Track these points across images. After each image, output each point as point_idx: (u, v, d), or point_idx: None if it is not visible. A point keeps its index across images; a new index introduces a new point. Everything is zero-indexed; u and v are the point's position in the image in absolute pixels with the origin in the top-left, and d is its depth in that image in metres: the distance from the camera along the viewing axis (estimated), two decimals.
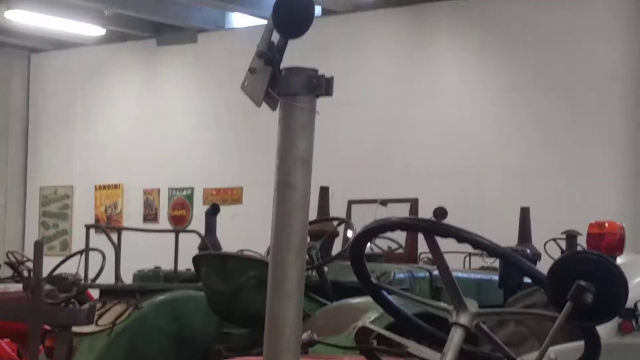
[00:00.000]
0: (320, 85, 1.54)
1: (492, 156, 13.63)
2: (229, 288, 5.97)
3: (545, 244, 8.55)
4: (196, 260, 6.55)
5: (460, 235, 2.28)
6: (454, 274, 2.28)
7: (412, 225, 2.82)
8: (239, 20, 17.26)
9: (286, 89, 1.50)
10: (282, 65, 1.50)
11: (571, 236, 8.13)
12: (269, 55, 1.52)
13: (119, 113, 18.08)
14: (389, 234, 6.14)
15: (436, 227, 2.40)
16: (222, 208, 10.03)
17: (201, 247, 8.24)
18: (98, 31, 17.82)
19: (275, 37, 1.51)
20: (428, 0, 14.93)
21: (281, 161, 1.51)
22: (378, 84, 14.58)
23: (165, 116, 17.36)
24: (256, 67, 1.50)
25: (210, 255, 6.71)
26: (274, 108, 1.55)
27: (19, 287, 8.00)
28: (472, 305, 2.30)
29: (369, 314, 4.53)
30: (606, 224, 6.51)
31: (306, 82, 1.53)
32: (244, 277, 5.92)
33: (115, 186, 17.61)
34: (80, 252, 8.85)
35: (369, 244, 2.80)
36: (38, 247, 6.10)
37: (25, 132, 19.61)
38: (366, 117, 14.28)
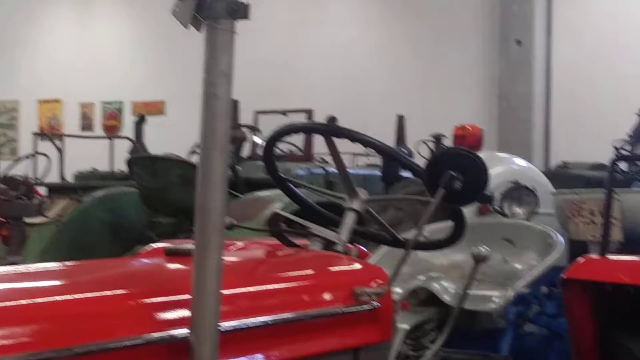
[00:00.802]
0: (239, 10, 1.51)
1: (373, 72, 13.86)
2: (158, 184, 6.08)
3: (417, 145, 8.74)
4: (130, 162, 6.59)
5: (353, 136, 2.33)
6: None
7: (314, 129, 2.81)
8: None
9: (210, 13, 1.46)
10: None
11: (438, 137, 8.46)
12: None
13: (57, 36, 17.39)
14: (289, 139, 6.36)
15: (334, 129, 2.42)
16: (148, 118, 9.96)
17: (131, 152, 8.30)
18: None
19: None
20: None
21: (207, 75, 1.47)
22: (279, 11, 14.69)
23: (99, 39, 16.95)
24: None
25: (142, 157, 6.71)
26: (199, 30, 1.49)
27: None
28: (363, 194, 2.34)
29: (276, 203, 4.62)
30: (468, 127, 6.82)
31: (227, 7, 1.49)
32: (171, 174, 6.06)
33: (56, 100, 17.17)
34: (28, 156, 9.13)
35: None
36: None
37: None
38: (269, 39, 14.24)
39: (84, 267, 2.16)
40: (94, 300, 1.58)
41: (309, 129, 2.94)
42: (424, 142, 8.70)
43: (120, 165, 8.86)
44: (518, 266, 2.87)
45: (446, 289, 2.61)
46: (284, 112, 9.33)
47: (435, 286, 2.65)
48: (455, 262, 2.83)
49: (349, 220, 2.35)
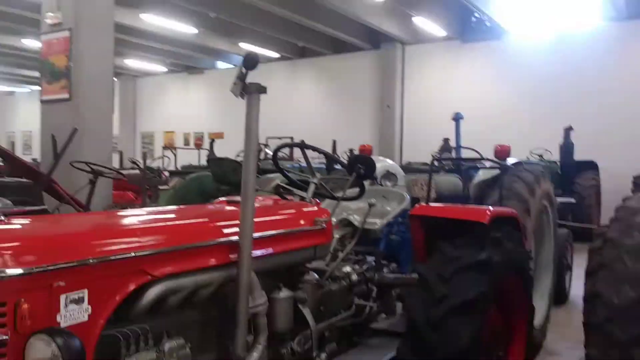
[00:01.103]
0: (261, 89, 2.29)
1: (321, 118, 20.10)
2: (221, 171, 7.12)
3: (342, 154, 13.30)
4: (209, 161, 7.73)
5: (313, 148, 3.36)
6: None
7: (295, 144, 3.71)
8: None
9: (248, 90, 2.14)
10: None
11: (351, 150, 13.39)
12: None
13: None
14: (283, 150, 7.86)
15: (304, 145, 3.40)
16: (216, 140, 14.66)
17: (208, 156, 10.50)
18: None
19: None
20: None
21: (247, 118, 2.19)
22: (277, 89, 19.71)
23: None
24: None
25: (214, 158, 7.84)
26: (243, 98, 2.17)
27: None
28: (318, 175, 3.29)
29: (276, 180, 5.50)
30: (366, 145, 8.52)
31: (256, 87, 2.16)
32: (228, 166, 7.07)
33: (172, 131, 25.00)
34: (160, 157, 14.47)
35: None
36: None
37: None
38: (273, 102, 17.91)
39: (187, 208, 2.91)
40: (192, 221, 2.33)
41: (292, 145, 3.85)
42: (345, 152, 13.40)
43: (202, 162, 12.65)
44: (388, 208, 3.89)
45: (355, 219, 3.64)
46: (280, 138, 12.52)
47: (351, 217, 3.67)
48: (360, 206, 3.73)
49: (311, 187, 3.28)
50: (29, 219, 2.03)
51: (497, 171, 5.36)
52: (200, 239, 2.21)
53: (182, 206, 3.02)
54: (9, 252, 1.61)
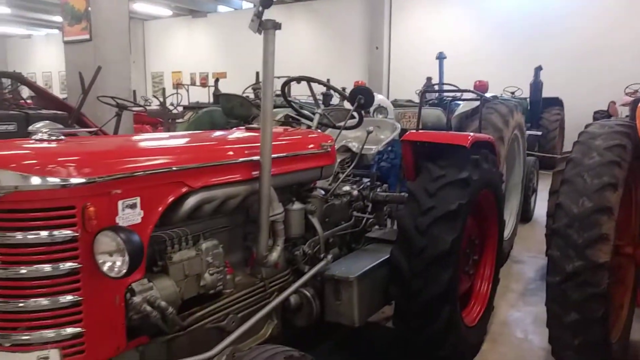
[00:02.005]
0: (277, 25, 2.21)
1: (318, 62, 18.85)
2: (229, 105, 7.11)
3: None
4: (217, 96, 7.63)
5: (318, 81, 3.40)
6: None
7: (301, 78, 3.44)
8: None
9: (265, 26, 2.15)
10: None
11: (344, 88, 11.28)
12: None
13: None
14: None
15: (310, 79, 3.41)
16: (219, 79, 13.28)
17: (214, 92, 9.75)
18: None
19: None
20: None
21: (264, 54, 2.21)
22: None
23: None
24: None
25: (223, 94, 7.62)
26: (260, 34, 2.22)
27: None
28: (322, 107, 3.43)
29: (280, 114, 5.60)
30: (361, 82, 8.29)
31: (272, 24, 2.17)
32: (235, 101, 7.07)
33: (179, 71, 24.21)
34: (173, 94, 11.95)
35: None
36: None
37: None
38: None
39: (214, 132, 3.01)
40: (222, 142, 2.48)
41: (300, 79, 3.55)
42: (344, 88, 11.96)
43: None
44: (382, 136, 4.00)
45: (353, 145, 3.77)
46: (278, 77, 12.11)
47: (349, 144, 3.78)
48: (357, 135, 3.85)
49: (316, 117, 3.38)
50: (86, 139, 2.13)
51: (475, 104, 5.45)
52: (229, 157, 2.33)
53: (210, 131, 3.14)
54: (76, 164, 1.73)
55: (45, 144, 1.81)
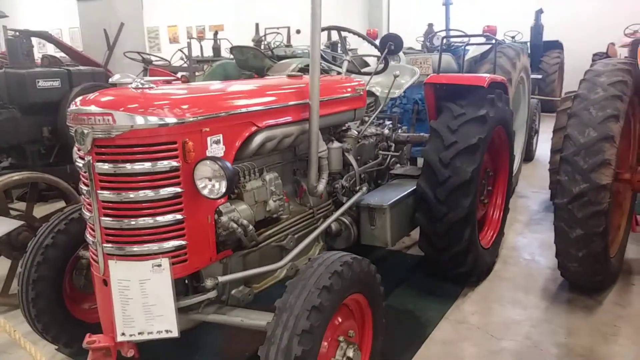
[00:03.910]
0: None
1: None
2: (243, 57, 7.30)
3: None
4: (231, 49, 7.68)
5: (350, 30, 3.65)
6: None
7: (340, 28, 3.73)
8: None
9: None
10: None
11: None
12: None
13: None
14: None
15: (342, 28, 3.68)
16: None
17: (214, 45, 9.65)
18: None
19: None
20: None
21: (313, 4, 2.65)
22: None
23: None
24: None
25: (236, 46, 7.66)
26: None
27: None
28: (350, 54, 3.69)
29: (295, 64, 5.85)
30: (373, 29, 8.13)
31: None
32: (248, 53, 7.26)
33: (174, 25, 22.06)
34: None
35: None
36: None
37: None
38: None
39: (267, 79, 3.25)
40: (279, 87, 2.77)
41: (331, 28, 3.82)
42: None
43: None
44: (402, 81, 4.23)
45: (377, 90, 4.04)
46: (277, 28, 11.59)
47: (373, 89, 4.03)
48: (379, 80, 4.08)
49: (345, 64, 3.67)
50: (173, 86, 2.47)
51: (484, 48, 5.73)
52: (285, 100, 2.68)
53: (264, 78, 3.45)
54: (177, 107, 2.09)
55: (146, 91, 2.16)
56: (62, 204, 4.16)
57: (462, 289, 3.79)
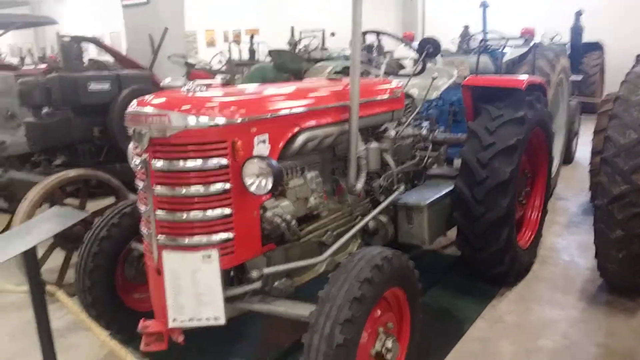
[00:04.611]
0: None
1: None
2: (280, 60, 7.51)
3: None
4: (270, 52, 7.88)
5: (386, 33, 3.74)
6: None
7: (379, 31, 3.93)
8: None
9: None
10: None
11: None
12: None
13: None
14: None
15: (379, 31, 3.79)
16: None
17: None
18: None
19: None
20: None
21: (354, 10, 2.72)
22: None
23: None
24: None
25: (274, 50, 7.91)
26: None
27: None
28: (386, 57, 3.77)
29: (330, 67, 6.04)
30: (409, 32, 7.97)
31: None
32: (286, 56, 7.45)
33: (212, 30, 23.10)
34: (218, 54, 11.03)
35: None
36: None
37: None
38: None
39: (307, 82, 3.43)
40: (320, 90, 2.86)
41: (370, 32, 3.96)
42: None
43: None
44: (440, 83, 4.27)
45: (414, 92, 4.06)
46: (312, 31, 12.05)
47: (410, 90, 4.02)
48: (416, 82, 4.02)
49: (383, 67, 3.73)
50: (222, 89, 2.62)
51: (522, 50, 5.70)
52: (326, 102, 2.79)
53: (306, 81, 3.57)
54: (228, 109, 2.22)
55: (197, 94, 2.30)
56: (108, 200, 4.37)
57: (499, 289, 3.81)
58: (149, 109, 2.17)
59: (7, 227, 5.16)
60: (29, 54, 6.33)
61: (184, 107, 2.16)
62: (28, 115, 4.57)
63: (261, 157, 2.21)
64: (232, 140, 2.21)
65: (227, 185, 2.24)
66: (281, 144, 2.51)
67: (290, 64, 7.26)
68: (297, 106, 2.60)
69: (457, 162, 3.85)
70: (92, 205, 4.35)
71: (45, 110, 4.46)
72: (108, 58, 7.02)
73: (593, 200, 5.52)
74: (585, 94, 11.42)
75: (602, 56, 12.49)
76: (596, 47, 12.52)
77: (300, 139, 2.62)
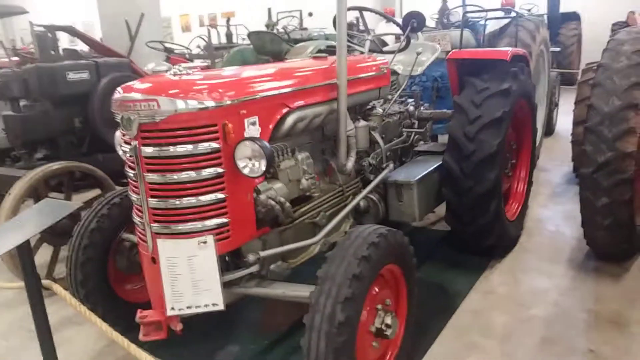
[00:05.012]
0: None
1: None
2: (259, 42, 7.33)
3: None
4: (249, 34, 7.69)
5: (372, 10, 3.68)
6: None
7: (360, 7, 3.81)
8: None
9: None
10: None
11: None
12: None
13: None
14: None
15: (363, 8, 3.73)
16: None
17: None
18: None
19: None
20: None
21: None
22: None
23: None
24: None
25: (254, 31, 7.67)
26: None
27: None
28: (371, 34, 3.73)
29: (312, 47, 5.98)
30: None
31: None
32: (266, 38, 7.28)
33: (186, 14, 22.57)
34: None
35: None
36: None
37: None
38: None
39: (294, 62, 3.21)
40: (308, 69, 2.79)
41: (354, 8, 3.81)
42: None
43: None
44: (424, 58, 4.19)
45: (399, 68, 4.06)
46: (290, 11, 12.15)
47: (395, 67, 4.01)
48: (401, 58, 4.02)
49: (367, 43, 3.68)
50: (210, 71, 2.57)
51: (502, 22, 5.71)
52: (314, 81, 2.75)
53: (292, 61, 3.48)
54: (216, 91, 2.19)
55: (184, 77, 2.26)
56: (93, 193, 4.30)
57: (488, 262, 3.87)
58: (136, 95, 2.12)
59: None
60: (1, 45, 6.10)
61: (172, 91, 2.12)
62: (5, 109, 4.45)
63: (253, 139, 2.19)
64: (222, 123, 2.18)
65: (220, 170, 2.21)
66: (271, 126, 2.48)
67: (270, 46, 7.16)
68: (285, 86, 2.56)
69: (443, 138, 3.85)
70: (77, 198, 4.29)
71: (23, 103, 4.35)
72: (82, 47, 6.86)
73: (575, 170, 5.65)
74: (563, 65, 11.52)
75: (579, 27, 12.57)
76: (573, 17, 12.57)
77: (290, 120, 2.59)
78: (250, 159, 2.20)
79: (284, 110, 2.56)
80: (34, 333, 2.44)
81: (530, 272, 3.74)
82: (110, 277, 3.03)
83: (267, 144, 2.20)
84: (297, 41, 7.43)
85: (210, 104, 2.14)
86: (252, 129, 2.34)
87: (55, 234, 3.73)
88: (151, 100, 2.08)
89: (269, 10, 11.52)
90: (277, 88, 2.50)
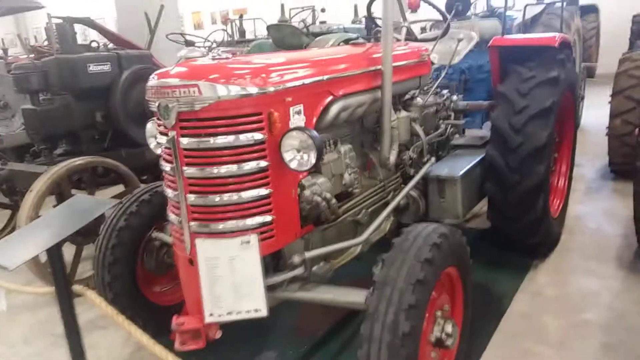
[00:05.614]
0: None
1: None
2: (280, 35, 7.04)
3: None
4: (271, 26, 7.46)
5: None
6: None
7: None
8: None
9: None
10: None
11: None
12: None
13: None
14: None
15: None
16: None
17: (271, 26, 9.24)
18: None
19: None
20: None
21: None
22: None
23: None
24: None
25: (273, 24, 7.46)
26: None
27: None
28: (407, 20, 3.44)
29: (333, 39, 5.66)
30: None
31: None
32: (286, 31, 7.02)
33: (198, 12, 21.63)
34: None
35: None
36: None
37: None
38: None
39: (338, 49, 3.08)
40: (352, 56, 2.57)
41: None
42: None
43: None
44: (461, 48, 3.78)
45: (435, 57, 3.67)
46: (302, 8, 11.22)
47: (431, 56, 3.69)
48: (440, 46, 3.51)
49: (404, 31, 3.39)
50: (251, 57, 2.34)
51: (536, 10, 5.43)
52: (358, 68, 2.51)
53: (334, 47, 3.18)
54: (261, 77, 1.96)
55: (222, 62, 2.03)
56: (113, 190, 4.09)
57: (532, 261, 3.62)
58: (175, 80, 1.89)
59: (10, 220, 4.90)
60: (19, 39, 5.92)
61: (212, 76, 1.89)
62: (24, 102, 4.26)
63: (301, 129, 1.97)
64: (268, 111, 1.96)
65: (264, 163, 1.99)
66: (315, 115, 2.25)
67: (290, 39, 6.88)
68: (331, 71, 2.31)
69: (478, 132, 3.59)
70: (99, 195, 4.09)
71: (42, 96, 4.16)
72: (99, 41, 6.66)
73: (611, 164, 5.37)
74: (583, 58, 11.19)
75: (597, 19, 12.22)
76: (592, 9, 12.23)
77: (334, 109, 2.36)
78: (298, 150, 1.98)
79: (328, 99, 2.32)
80: (58, 338, 2.25)
81: (577, 273, 3.49)
82: (139, 279, 2.82)
83: (316, 134, 1.97)
84: (316, 35, 7.17)
85: (252, 90, 1.91)
86: (297, 119, 2.11)
87: (78, 233, 3.52)
88: (192, 85, 1.85)
89: (282, 5, 11.25)
90: (322, 73, 2.25)
